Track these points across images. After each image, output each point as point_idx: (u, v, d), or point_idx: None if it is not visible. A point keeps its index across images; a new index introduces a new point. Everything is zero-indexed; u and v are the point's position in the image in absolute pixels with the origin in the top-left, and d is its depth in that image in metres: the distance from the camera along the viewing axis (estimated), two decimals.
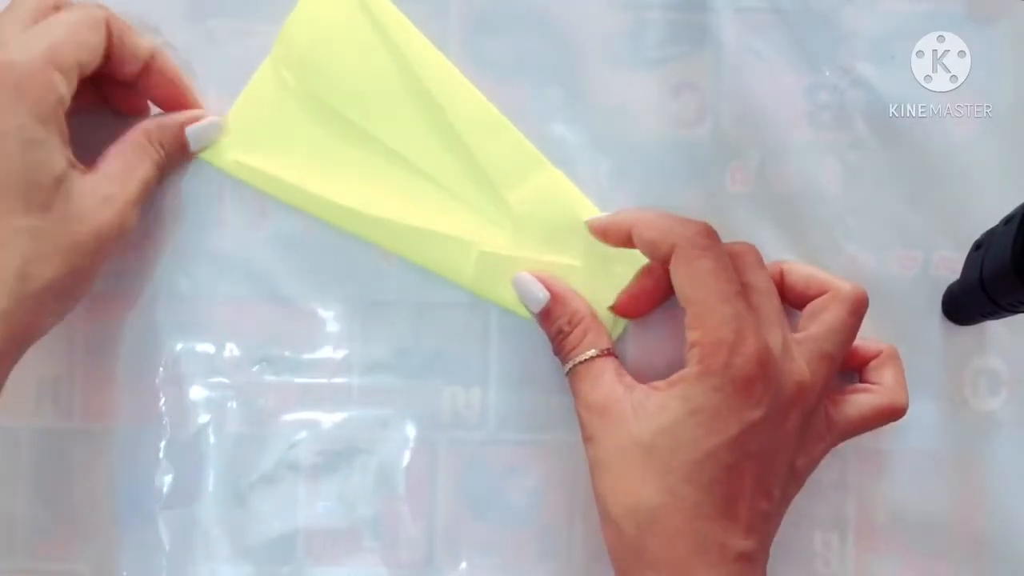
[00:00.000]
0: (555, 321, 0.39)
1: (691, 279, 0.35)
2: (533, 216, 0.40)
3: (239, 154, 0.41)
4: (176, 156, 0.40)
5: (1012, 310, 0.36)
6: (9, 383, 0.41)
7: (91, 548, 0.40)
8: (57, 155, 0.36)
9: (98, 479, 0.41)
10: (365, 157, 0.41)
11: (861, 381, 0.39)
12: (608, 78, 0.41)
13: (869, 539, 0.40)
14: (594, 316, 0.39)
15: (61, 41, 0.36)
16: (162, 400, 0.41)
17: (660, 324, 0.40)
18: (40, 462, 0.41)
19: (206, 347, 0.41)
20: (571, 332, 0.38)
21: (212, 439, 0.41)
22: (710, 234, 0.35)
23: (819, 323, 0.37)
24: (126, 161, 0.38)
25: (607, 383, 0.37)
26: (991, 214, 0.37)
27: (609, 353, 0.38)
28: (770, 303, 0.36)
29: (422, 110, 0.41)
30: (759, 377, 0.34)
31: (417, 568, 0.40)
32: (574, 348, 0.38)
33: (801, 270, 0.39)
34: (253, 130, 0.41)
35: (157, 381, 0.41)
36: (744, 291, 0.36)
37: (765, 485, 0.35)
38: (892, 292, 0.41)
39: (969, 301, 0.39)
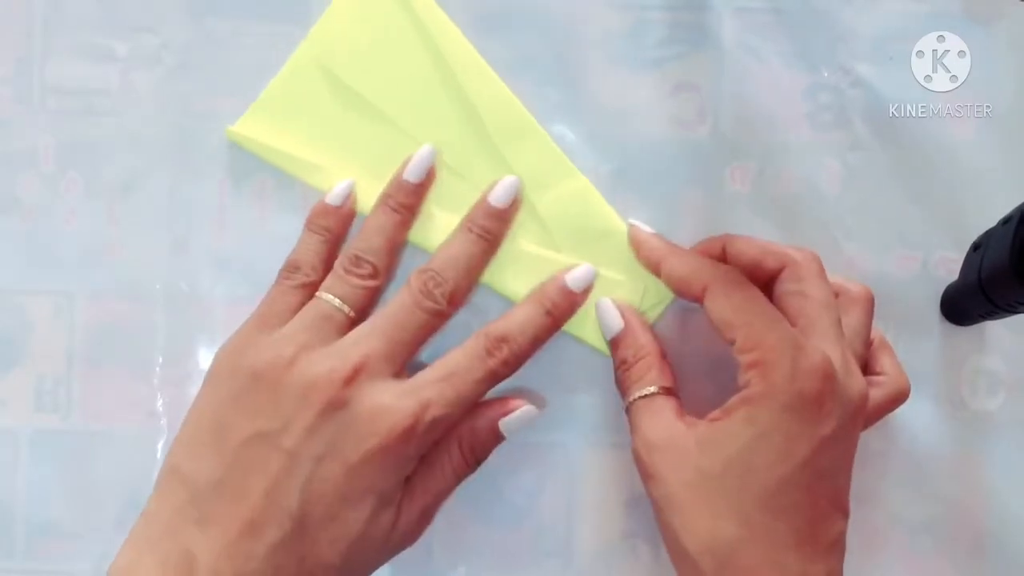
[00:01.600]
0: (622, 351, 0.38)
1: (734, 307, 0.35)
2: (559, 220, 0.40)
3: (268, 135, 0.41)
4: (482, 457, 0.38)
5: (1011, 310, 0.36)
6: (9, 383, 0.41)
7: (91, 548, 0.40)
8: (392, 511, 0.35)
9: (97, 479, 0.41)
10: (393, 149, 0.41)
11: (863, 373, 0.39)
12: (608, 78, 0.41)
13: (869, 539, 0.40)
14: (661, 355, 0.38)
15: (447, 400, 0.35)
16: (161, 400, 0.41)
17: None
18: (40, 462, 0.41)
19: (205, 347, 0.41)
20: (634, 365, 0.38)
21: None
22: (742, 275, 0.36)
23: (845, 328, 0.36)
24: (435, 483, 0.37)
25: (666, 420, 0.36)
26: (990, 214, 0.37)
27: (670, 392, 0.37)
28: (827, 316, 0.35)
29: (454, 107, 0.41)
30: (827, 391, 0.33)
31: (417, 568, 0.40)
32: (635, 382, 0.38)
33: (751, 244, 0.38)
34: (284, 113, 0.41)
35: (157, 381, 0.41)
36: (800, 301, 0.35)
37: (839, 503, 0.34)
38: (891, 292, 0.41)
39: (968, 301, 0.39)
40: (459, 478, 0.38)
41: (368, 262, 0.38)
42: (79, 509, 0.41)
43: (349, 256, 0.38)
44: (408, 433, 0.35)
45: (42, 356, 0.41)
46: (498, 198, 0.39)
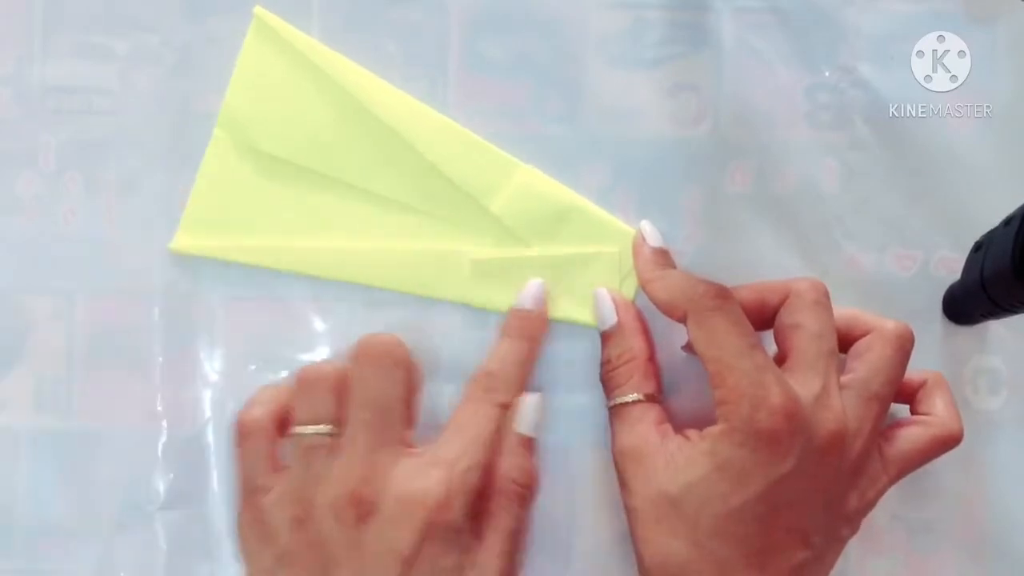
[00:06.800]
0: (609, 350, 0.39)
1: (706, 337, 0.35)
2: (517, 216, 0.40)
3: (212, 236, 0.41)
4: (528, 471, 0.38)
5: (1013, 310, 0.36)
6: (9, 383, 0.41)
7: (91, 548, 0.40)
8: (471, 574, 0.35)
9: (97, 479, 0.41)
10: (337, 203, 0.41)
11: (912, 413, 0.38)
12: (607, 78, 0.41)
13: (869, 539, 0.40)
14: (648, 358, 0.38)
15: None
16: (161, 400, 0.41)
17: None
18: (40, 462, 0.41)
19: (205, 347, 0.41)
20: (618, 367, 0.38)
21: (211, 439, 0.41)
22: (721, 293, 0.36)
23: (865, 363, 0.36)
24: (503, 521, 0.36)
25: (643, 430, 0.36)
26: (991, 214, 0.37)
27: (653, 399, 0.37)
28: (816, 346, 0.35)
29: (383, 143, 0.41)
30: (785, 430, 0.33)
31: None
32: (618, 387, 0.38)
33: (843, 313, 0.37)
34: (220, 207, 0.41)
35: (156, 381, 0.41)
36: (792, 333, 0.36)
37: (801, 535, 0.34)
38: (892, 292, 0.41)
39: (969, 302, 0.39)
40: (523, 504, 0.37)
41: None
42: (79, 509, 0.41)
43: None
44: (447, 500, 0.35)
45: (42, 356, 0.41)
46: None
